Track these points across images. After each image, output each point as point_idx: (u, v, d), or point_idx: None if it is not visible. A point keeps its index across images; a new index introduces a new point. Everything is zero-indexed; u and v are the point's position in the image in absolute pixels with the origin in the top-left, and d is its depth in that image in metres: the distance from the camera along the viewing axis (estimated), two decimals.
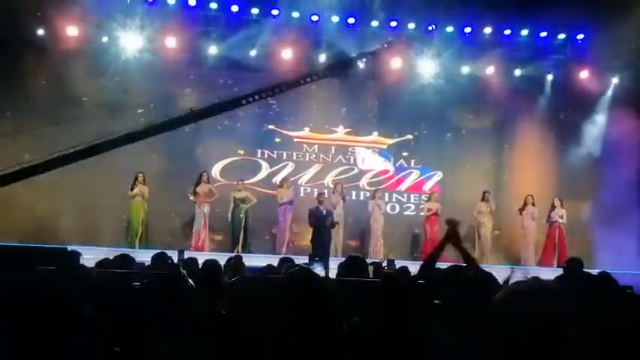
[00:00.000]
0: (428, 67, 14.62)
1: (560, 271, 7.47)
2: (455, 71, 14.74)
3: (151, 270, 5.40)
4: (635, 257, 13.71)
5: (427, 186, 15.29)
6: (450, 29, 14.47)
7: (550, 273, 9.21)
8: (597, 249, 13.81)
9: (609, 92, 14.96)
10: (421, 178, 15.44)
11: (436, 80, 14.72)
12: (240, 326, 1.67)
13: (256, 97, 10.07)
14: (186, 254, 8.76)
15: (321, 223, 12.14)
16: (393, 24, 14.20)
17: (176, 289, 3.00)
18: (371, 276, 5.68)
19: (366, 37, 13.97)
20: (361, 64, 12.73)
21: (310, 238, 12.44)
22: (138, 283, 3.98)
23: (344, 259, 8.90)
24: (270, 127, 14.90)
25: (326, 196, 13.09)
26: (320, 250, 11.36)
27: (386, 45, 12.53)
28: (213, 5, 13.99)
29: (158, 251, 6.45)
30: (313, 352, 2.22)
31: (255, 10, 14.04)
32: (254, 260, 9.12)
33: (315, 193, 13.79)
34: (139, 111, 12.60)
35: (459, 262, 3.91)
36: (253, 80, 12.21)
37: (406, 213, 15.34)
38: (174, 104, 12.00)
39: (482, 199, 14.13)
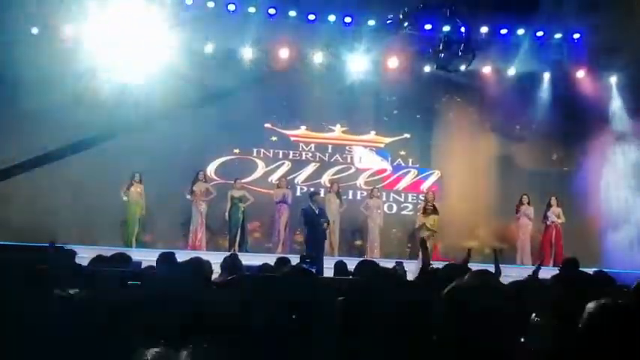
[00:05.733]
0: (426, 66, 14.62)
1: (556, 271, 7.50)
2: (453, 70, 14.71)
3: (155, 270, 5.38)
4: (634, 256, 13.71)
5: (425, 185, 15.26)
6: (446, 28, 14.44)
7: (547, 272, 9.19)
8: (597, 248, 13.84)
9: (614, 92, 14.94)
10: (419, 177, 15.42)
11: (435, 79, 14.71)
12: (241, 327, 1.65)
13: None
14: (185, 254, 8.70)
15: (313, 222, 11.57)
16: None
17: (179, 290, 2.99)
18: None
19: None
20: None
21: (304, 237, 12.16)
22: (137, 282, 3.97)
23: (340, 258, 8.85)
24: (267, 125, 14.85)
25: (322, 195, 12.98)
26: (312, 249, 11.18)
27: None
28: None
29: (163, 251, 6.34)
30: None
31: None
32: (252, 259, 9.09)
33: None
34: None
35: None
36: None
37: (404, 212, 15.32)
38: None
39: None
